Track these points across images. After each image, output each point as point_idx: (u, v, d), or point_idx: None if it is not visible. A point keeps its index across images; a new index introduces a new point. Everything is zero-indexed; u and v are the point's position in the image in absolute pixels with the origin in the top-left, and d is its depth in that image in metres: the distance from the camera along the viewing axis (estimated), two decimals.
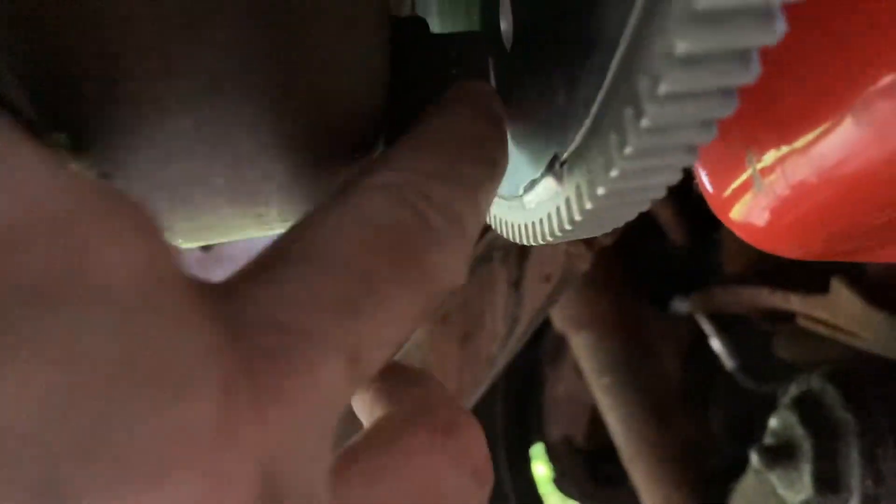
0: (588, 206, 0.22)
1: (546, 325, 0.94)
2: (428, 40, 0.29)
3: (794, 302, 0.74)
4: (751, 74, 0.17)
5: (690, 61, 0.16)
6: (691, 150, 0.20)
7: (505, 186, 0.32)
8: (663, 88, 0.17)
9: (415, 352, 0.68)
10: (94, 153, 0.18)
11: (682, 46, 0.16)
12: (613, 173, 0.20)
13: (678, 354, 1.06)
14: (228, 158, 0.19)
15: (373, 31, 0.22)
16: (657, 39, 0.16)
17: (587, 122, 0.21)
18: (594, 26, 0.20)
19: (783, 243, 0.29)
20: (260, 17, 0.16)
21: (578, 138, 0.22)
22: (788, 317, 0.79)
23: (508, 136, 0.29)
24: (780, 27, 0.15)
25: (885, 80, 0.21)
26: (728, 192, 0.29)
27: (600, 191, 0.21)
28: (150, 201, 0.21)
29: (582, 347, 0.86)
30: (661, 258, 1.01)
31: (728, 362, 1.02)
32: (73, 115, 0.17)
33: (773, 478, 0.60)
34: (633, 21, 0.17)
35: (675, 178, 0.21)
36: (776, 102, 0.25)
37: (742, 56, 0.16)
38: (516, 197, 0.29)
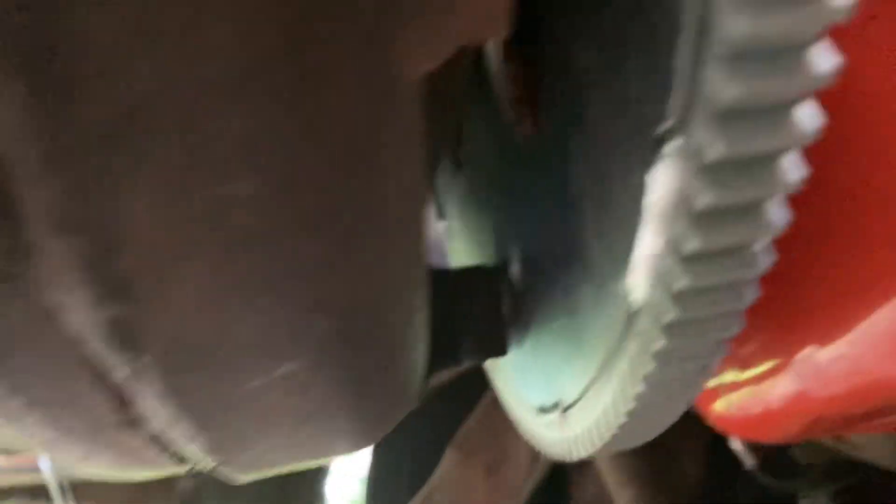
0: (589, 451, 0.27)
1: None
2: (449, 281, 0.35)
3: None
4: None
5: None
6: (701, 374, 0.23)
7: (514, 394, 0.38)
8: (669, 317, 0.19)
9: (442, 483, 0.73)
10: None
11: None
12: (612, 431, 0.25)
13: (698, 453, 1.09)
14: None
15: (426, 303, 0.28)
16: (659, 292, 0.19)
17: (588, 385, 0.27)
18: (596, 301, 0.25)
19: (754, 438, 0.34)
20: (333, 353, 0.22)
21: (581, 392, 0.28)
22: None
23: (522, 353, 0.35)
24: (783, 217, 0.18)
25: (816, 347, 0.27)
26: (703, 394, 0.35)
27: (606, 436, 0.26)
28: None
29: (605, 460, 0.90)
30: None
31: (747, 461, 1.05)
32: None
33: None
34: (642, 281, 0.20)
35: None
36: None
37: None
38: (528, 407, 0.35)
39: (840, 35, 0.22)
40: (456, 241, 0.50)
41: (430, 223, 0.37)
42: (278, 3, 0.14)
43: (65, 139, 0.14)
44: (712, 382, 0.34)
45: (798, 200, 0.24)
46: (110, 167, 0.15)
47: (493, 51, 0.33)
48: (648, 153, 0.18)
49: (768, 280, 0.27)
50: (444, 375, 0.84)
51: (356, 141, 0.16)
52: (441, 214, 0.54)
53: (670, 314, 0.19)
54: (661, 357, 0.20)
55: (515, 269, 0.35)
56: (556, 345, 0.30)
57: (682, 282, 0.18)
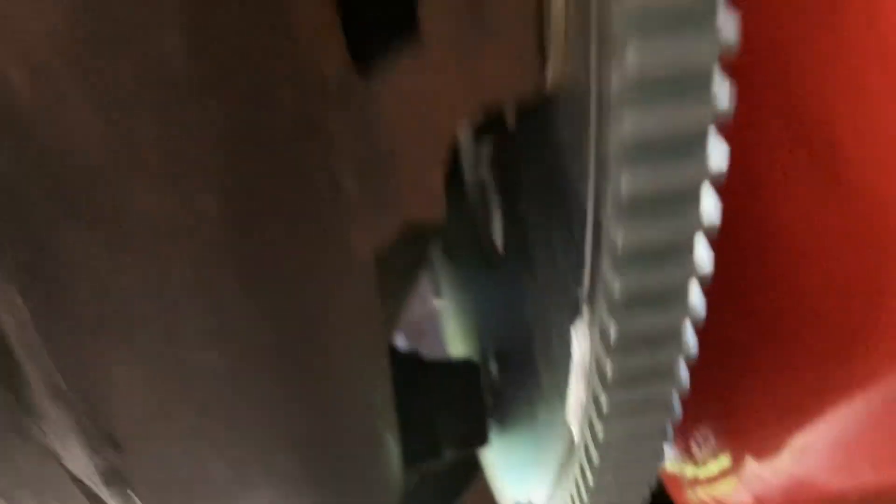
0: None
1: None
2: (432, 372, 0.37)
3: None
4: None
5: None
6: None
7: (496, 484, 0.40)
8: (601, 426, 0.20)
9: None
10: None
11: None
12: None
13: None
14: None
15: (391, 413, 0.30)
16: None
17: (550, 493, 0.29)
18: (552, 395, 0.27)
19: None
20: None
21: (546, 498, 0.29)
22: None
23: (500, 447, 0.37)
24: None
25: (755, 460, 0.28)
26: (672, 482, 0.36)
27: None
28: None
29: None
30: None
31: None
32: None
33: None
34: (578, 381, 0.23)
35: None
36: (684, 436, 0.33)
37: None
38: (509, 498, 0.37)
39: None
40: (451, 322, 0.52)
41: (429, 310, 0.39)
42: (230, 223, 0.16)
43: (57, 329, 0.17)
44: (678, 473, 0.35)
45: (726, 322, 0.26)
46: (97, 350, 0.18)
47: (466, 166, 0.36)
48: (572, 311, 0.20)
49: (712, 389, 0.29)
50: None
51: (310, 315, 0.19)
52: (438, 293, 0.57)
53: (596, 457, 0.21)
54: (596, 490, 0.22)
55: (493, 365, 0.37)
56: (524, 447, 0.32)
57: (602, 433, 0.20)
